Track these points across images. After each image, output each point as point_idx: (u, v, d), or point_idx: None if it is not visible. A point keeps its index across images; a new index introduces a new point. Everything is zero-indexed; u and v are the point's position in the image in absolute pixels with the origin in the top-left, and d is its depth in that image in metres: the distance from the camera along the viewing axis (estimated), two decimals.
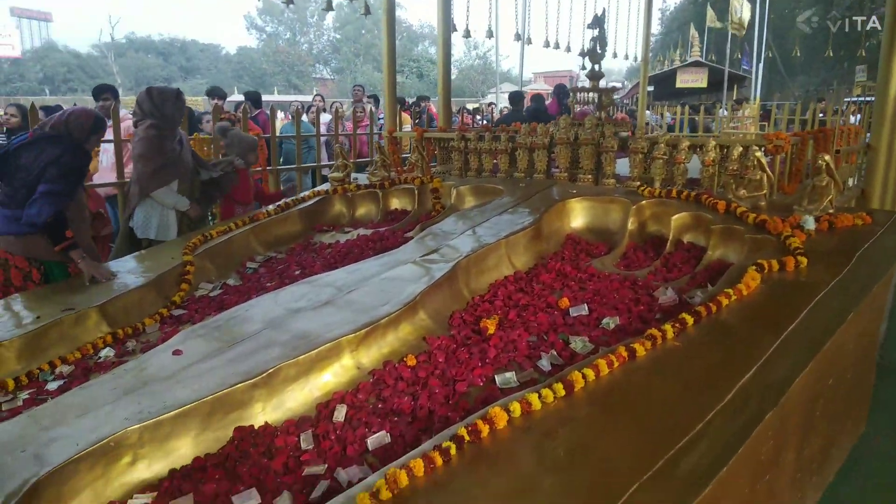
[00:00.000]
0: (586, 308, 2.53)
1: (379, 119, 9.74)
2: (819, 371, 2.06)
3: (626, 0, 8.69)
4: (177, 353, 2.26)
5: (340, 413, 2.04)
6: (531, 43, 6.98)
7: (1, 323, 2.71)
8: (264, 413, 2.05)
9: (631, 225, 3.26)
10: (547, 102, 9.52)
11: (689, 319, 2.03)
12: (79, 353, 2.60)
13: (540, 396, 1.72)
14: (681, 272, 2.85)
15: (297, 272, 3.29)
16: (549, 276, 2.91)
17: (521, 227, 3.14)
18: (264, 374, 2.05)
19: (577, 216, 3.46)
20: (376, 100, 9.99)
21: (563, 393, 1.75)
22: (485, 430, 1.62)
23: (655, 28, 37.89)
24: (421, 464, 1.51)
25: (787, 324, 2.04)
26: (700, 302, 2.22)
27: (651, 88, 20.37)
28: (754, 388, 1.78)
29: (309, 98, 12.90)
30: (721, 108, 11.17)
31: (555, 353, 2.23)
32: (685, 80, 19.48)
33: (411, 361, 2.26)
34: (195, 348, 2.28)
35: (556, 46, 7.25)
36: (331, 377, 2.20)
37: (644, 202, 3.29)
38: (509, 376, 2.12)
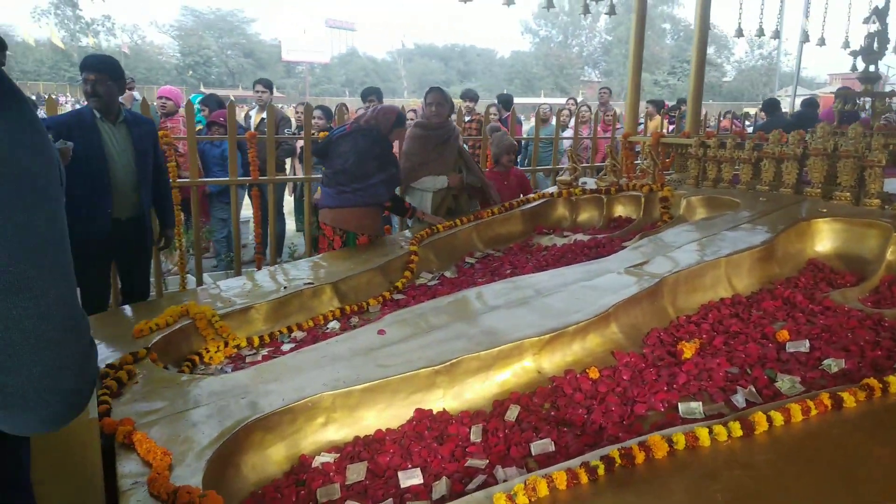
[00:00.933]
0: (807, 344, 2.22)
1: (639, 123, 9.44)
2: None
3: None
4: (381, 332, 2.49)
5: (513, 413, 2.07)
6: (808, 41, 6.22)
7: (260, 289, 3.23)
8: (444, 400, 2.17)
9: (891, 255, 2.75)
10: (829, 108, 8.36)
11: None
12: (311, 322, 3.00)
13: (711, 432, 1.58)
14: None
15: (507, 271, 3.39)
16: (773, 304, 2.59)
17: (748, 246, 2.85)
18: (447, 364, 2.17)
19: (824, 239, 3.02)
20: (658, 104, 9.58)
21: (739, 433, 1.58)
22: (640, 456, 1.54)
23: None
24: (564, 476, 1.49)
25: None
26: None
27: None
28: None
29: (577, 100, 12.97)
30: None
31: (754, 389, 2.00)
32: None
33: (594, 374, 2.20)
34: (397, 331, 2.49)
35: (847, 45, 6.36)
36: (510, 376, 2.25)
37: None
38: (695, 406, 1.96)
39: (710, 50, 52.31)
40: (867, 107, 3.53)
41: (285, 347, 2.78)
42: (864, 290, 2.66)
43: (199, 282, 4.17)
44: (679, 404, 1.98)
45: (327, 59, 56.70)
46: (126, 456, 1.78)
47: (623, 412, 2.00)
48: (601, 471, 1.51)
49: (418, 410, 2.12)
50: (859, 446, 1.53)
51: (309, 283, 3.17)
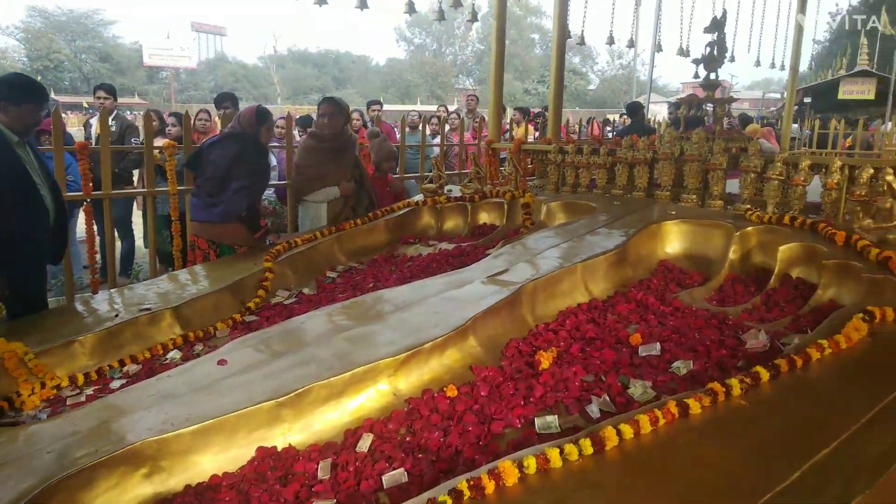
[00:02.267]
0: (658, 347, 2.24)
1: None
2: None
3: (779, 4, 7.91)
4: (221, 362, 2.25)
5: (365, 443, 1.92)
6: (661, 50, 6.57)
7: (90, 318, 2.88)
8: (290, 434, 1.99)
9: (732, 254, 2.88)
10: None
11: (765, 374, 1.71)
12: (148, 352, 2.70)
13: (562, 452, 1.50)
14: (783, 312, 2.46)
15: (370, 285, 3.24)
16: (628, 307, 2.62)
17: (603, 251, 2.87)
18: (293, 394, 1.98)
19: (673, 240, 3.12)
20: (524, 111, 9.72)
21: (590, 450, 1.52)
22: (489, 486, 1.44)
23: (822, 35, 34.80)
24: None
25: (892, 388, 1.66)
26: (786, 352, 1.87)
27: (808, 100, 18.63)
28: (837, 465, 1.46)
29: (451, 108, 13.01)
30: (884, 122, 9.92)
31: (608, 398, 1.97)
32: (849, 92, 17.52)
33: (451, 392, 2.10)
34: (240, 359, 2.27)
35: (686, 54, 6.78)
36: (364, 402, 2.09)
37: (750, 228, 2.89)
38: (551, 420, 1.90)
39: (576, 60, 55.27)
40: (695, 112, 3.72)
41: (115, 385, 2.47)
42: (709, 289, 2.76)
43: None
44: (535, 419, 1.91)
45: (194, 65, 54.14)
46: None
47: (480, 431, 1.91)
48: None
49: (260, 449, 1.92)
50: (705, 453, 1.51)
51: (146, 309, 2.86)
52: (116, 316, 2.80)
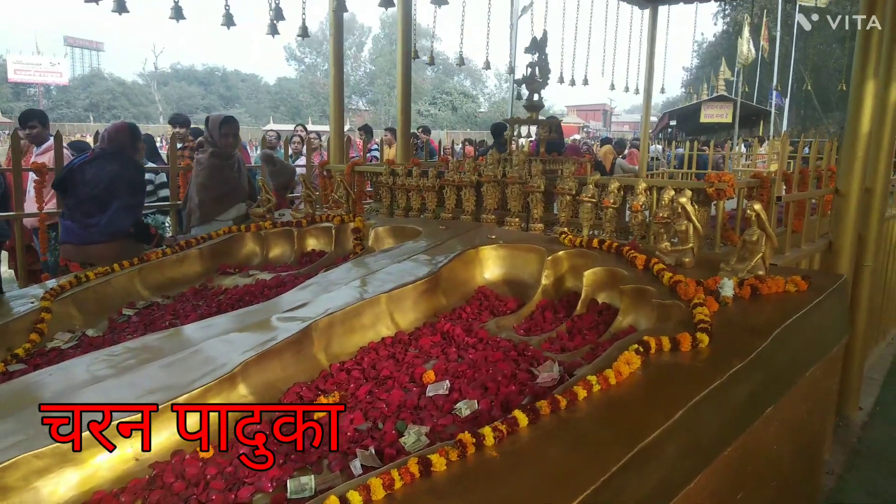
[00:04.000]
0: (446, 386, 2.07)
1: (372, 149, 9.42)
2: (713, 485, 1.58)
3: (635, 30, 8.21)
4: None
5: None
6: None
7: None
8: None
9: (545, 279, 2.78)
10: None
11: (523, 419, 1.56)
12: None
13: None
14: (585, 340, 2.35)
15: (166, 323, 2.90)
16: (432, 340, 2.44)
17: (414, 279, 2.70)
18: None
19: (491, 266, 2.99)
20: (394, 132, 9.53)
21: None
22: None
23: (691, 61, 37.41)
24: None
25: (653, 427, 1.55)
26: (553, 393, 1.73)
27: (674, 123, 19.83)
28: None
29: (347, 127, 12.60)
30: (732, 143, 10.57)
31: (373, 451, 1.76)
32: (709, 115, 18.84)
33: (205, 453, 1.82)
34: None
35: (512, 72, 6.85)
36: (96, 470, 1.77)
37: (561, 252, 2.81)
38: (306, 481, 1.66)
39: (467, 83, 56.29)
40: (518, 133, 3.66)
41: None
42: (520, 316, 2.64)
43: None
44: (288, 481, 1.67)
45: (66, 81, 50.82)
46: None
47: (225, 500, 1.65)
48: None
49: None
50: None
51: None
52: None
